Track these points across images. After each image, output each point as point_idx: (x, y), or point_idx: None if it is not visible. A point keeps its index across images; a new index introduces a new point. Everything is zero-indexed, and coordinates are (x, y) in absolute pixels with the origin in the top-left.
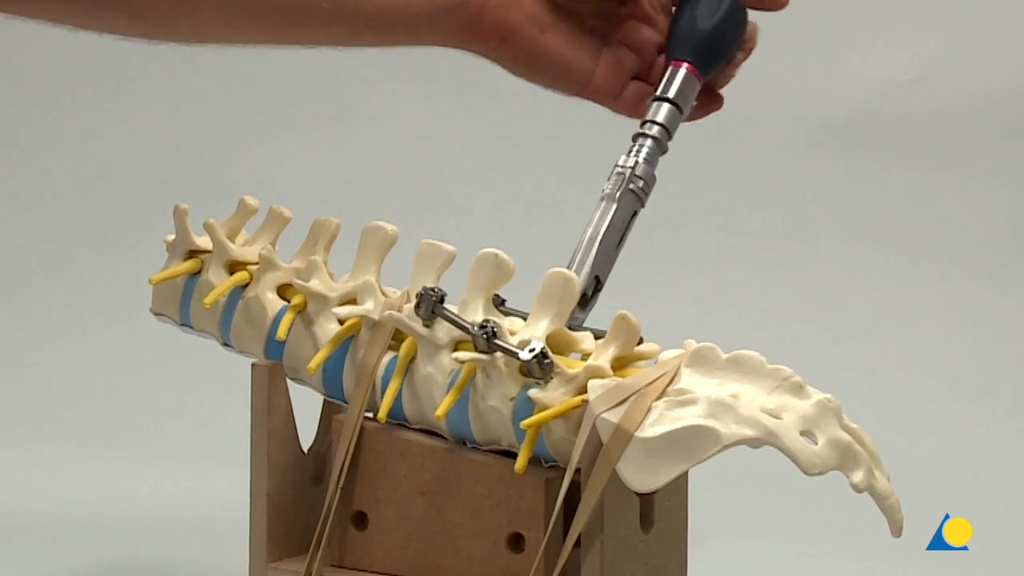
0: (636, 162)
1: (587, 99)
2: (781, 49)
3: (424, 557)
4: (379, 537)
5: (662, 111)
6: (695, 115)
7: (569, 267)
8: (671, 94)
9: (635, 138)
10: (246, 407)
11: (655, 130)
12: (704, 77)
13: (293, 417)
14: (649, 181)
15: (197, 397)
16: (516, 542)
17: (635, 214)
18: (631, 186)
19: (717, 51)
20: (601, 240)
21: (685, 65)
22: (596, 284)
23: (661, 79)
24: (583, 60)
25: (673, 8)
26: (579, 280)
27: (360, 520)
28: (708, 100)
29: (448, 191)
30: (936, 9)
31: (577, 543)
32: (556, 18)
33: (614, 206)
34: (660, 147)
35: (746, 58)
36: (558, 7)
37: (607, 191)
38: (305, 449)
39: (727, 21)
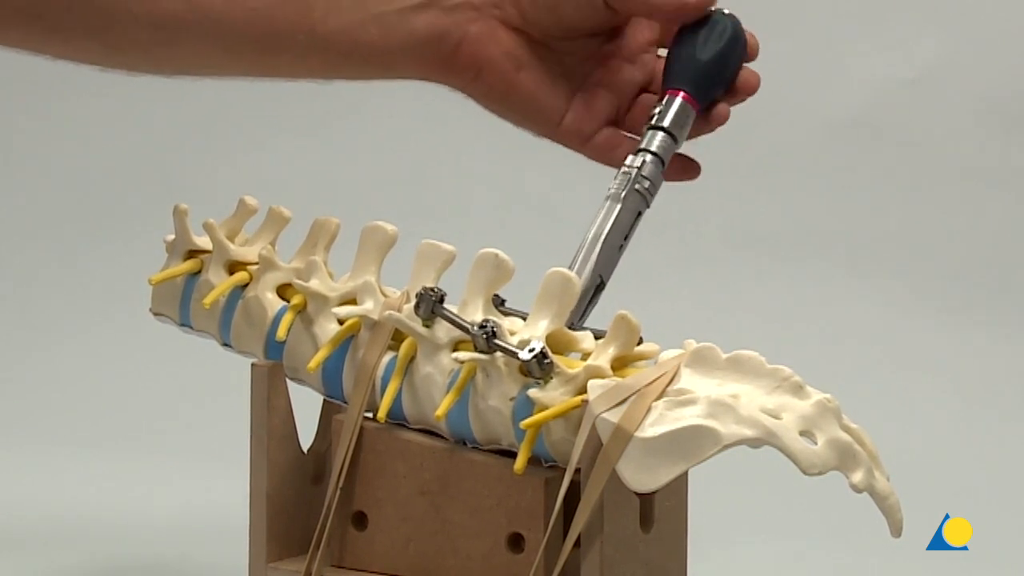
0: (643, 162)
1: (556, 141)
2: (781, 49)
3: (424, 557)
4: (379, 537)
5: (656, 140)
6: (670, 177)
7: (571, 266)
8: (666, 123)
9: (628, 165)
10: (246, 407)
11: (649, 158)
12: (700, 107)
13: (293, 417)
14: (655, 182)
15: (197, 397)
16: (516, 542)
17: (639, 215)
18: (636, 186)
19: (716, 81)
20: (604, 240)
21: (681, 94)
22: (599, 284)
23: (656, 107)
24: (555, 101)
25: (659, 46)
26: (580, 280)
27: (360, 520)
28: (684, 167)
29: (448, 191)
30: (936, 9)
31: (577, 543)
32: (533, 56)
33: (618, 206)
34: (657, 168)
35: (733, 103)
36: (537, 45)
37: (612, 190)
38: (305, 449)
39: (727, 51)
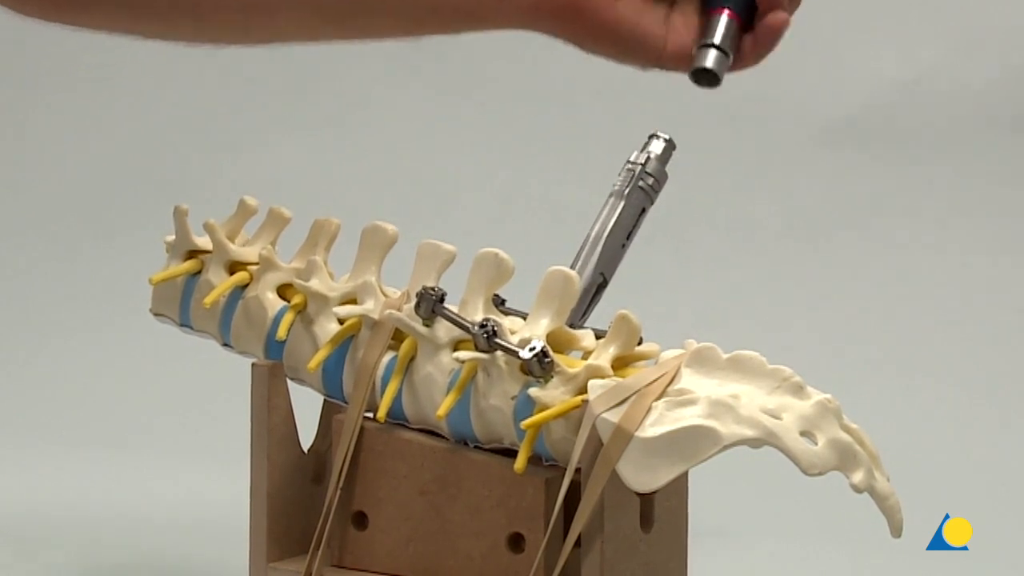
0: (647, 158)
1: (663, 68)
2: (781, 48)
3: (424, 557)
4: (379, 537)
5: (710, 57)
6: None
7: (574, 264)
8: (717, 40)
9: (632, 162)
10: (246, 407)
11: (653, 155)
12: (744, 22)
13: (293, 417)
14: (660, 178)
15: (197, 397)
16: (516, 542)
17: (644, 211)
18: (640, 183)
19: None
20: (607, 237)
21: (726, 11)
22: (601, 282)
23: (704, 27)
24: (655, 27)
25: None
26: (580, 278)
27: (360, 520)
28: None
29: (448, 191)
30: (936, 9)
31: (577, 543)
32: None
33: (622, 203)
34: (661, 165)
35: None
36: None
37: (616, 187)
38: (305, 449)
39: None
